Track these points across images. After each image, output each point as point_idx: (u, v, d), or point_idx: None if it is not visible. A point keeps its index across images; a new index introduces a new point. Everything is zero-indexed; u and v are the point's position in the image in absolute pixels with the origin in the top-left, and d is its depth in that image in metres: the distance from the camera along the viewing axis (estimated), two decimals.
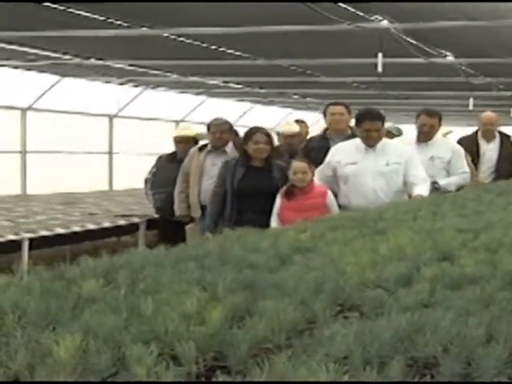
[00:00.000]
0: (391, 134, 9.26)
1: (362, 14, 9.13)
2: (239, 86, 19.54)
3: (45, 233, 9.09)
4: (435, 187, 7.45)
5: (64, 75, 17.28)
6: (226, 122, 8.91)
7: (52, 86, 17.71)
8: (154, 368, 1.57)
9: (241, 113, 24.11)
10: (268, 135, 7.40)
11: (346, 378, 1.49)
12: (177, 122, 21.53)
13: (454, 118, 26.13)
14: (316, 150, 7.73)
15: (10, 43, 12.46)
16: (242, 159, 7.37)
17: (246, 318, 2.02)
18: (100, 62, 14.71)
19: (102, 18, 10.10)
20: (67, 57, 14.07)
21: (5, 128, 17.31)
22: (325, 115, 8.16)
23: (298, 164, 6.93)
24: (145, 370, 1.56)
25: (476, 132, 10.25)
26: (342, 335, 1.82)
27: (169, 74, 16.87)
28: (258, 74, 16.46)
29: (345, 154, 7.25)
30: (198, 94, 21.66)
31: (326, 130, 8.25)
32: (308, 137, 9.52)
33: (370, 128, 7.08)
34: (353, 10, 8.91)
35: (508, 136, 10.39)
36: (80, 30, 10.75)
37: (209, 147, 8.69)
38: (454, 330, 1.85)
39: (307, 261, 2.94)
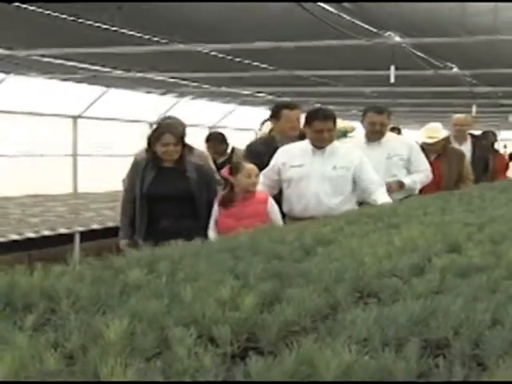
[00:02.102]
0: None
1: (376, 30, 9.11)
2: (266, 95, 19.54)
3: (95, 227, 9.18)
4: (399, 186, 6.65)
5: (109, 86, 17.37)
6: (180, 122, 7.23)
7: (99, 97, 17.82)
8: (194, 348, 1.56)
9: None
10: (178, 135, 5.97)
11: (366, 359, 1.48)
12: (210, 128, 21.56)
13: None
14: (262, 154, 6.48)
15: (64, 59, 12.58)
16: (151, 160, 5.95)
17: (275, 304, 2.00)
18: (141, 75, 14.76)
19: (147, 37, 10.14)
20: (108, 69, 14.16)
21: (58, 134, 17.40)
22: (278, 118, 6.68)
23: (251, 166, 5.80)
24: (186, 350, 1.54)
25: (448, 135, 9.13)
26: (362, 319, 1.80)
27: (204, 84, 16.91)
28: (282, 85, 16.46)
29: (290, 156, 6.19)
30: (228, 102, 21.70)
31: (270, 131, 7.31)
32: None
33: (322, 128, 6.00)
34: (368, 27, 8.89)
35: (479, 138, 9.84)
36: (125, 47, 10.79)
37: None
38: (463, 315, 1.83)
39: (329, 252, 2.90)
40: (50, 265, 2.48)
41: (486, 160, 9.56)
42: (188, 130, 7.96)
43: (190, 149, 6.92)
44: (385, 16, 8.44)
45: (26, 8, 8.25)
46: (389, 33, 9.27)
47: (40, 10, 8.31)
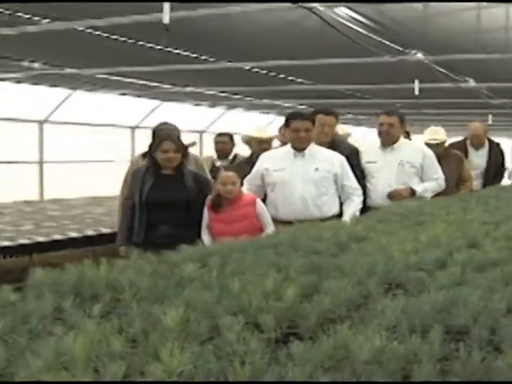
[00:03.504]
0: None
1: (401, 48, 9.07)
2: (303, 107, 19.51)
3: None
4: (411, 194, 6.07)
5: (163, 100, 17.48)
6: (175, 128, 6.66)
7: (154, 109, 17.95)
8: (242, 334, 1.56)
9: None
10: (177, 142, 5.61)
11: (395, 344, 1.48)
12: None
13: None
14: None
15: (122, 76, 12.71)
16: (151, 168, 5.58)
17: (313, 295, 1.99)
18: (192, 89, 14.83)
19: (194, 55, 10.19)
20: (166, 86, 14.25)
21: (117, 143, 17.48)
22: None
23: (226, 174, 5.43)
24: (234, 335, 1.55)
25: (465, 139, 8.89)
26: (391, 308, 1.79)
27: (246, 97, 16.94)
28: (318, 97, 16.42)
29: (272, 160, 5.82)
30: (268, 113, 21.67)
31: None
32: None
33: (300, 127, 5.61)
34: (393, 46, 8.85)
35: (497, 144, 9.07)
36: (178, 65, 10.87)
37: None
38: (481, 304, 1.82)
39: (361, 248, 2.90)
40: (112, 259, 2.50)
41: (500, 165, 9.03)
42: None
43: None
44: (409, 36, 8.39)
45: (90, 32, 8.34)
46: (413, 51, 9.21)
47: (99, 32, 8.40)
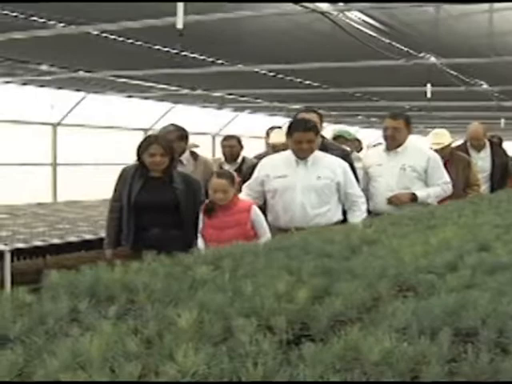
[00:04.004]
0: (342, 138, 7.88)
1: (414, 52, 9.09)
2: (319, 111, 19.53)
3: None
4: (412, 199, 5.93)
5: (176, 103, 17.54)
6: (177, 130, 6.70)
7: (167, 112, 18.00)
8: (254, 336, 1.58)
9: None
10: (165, 145, 5.39)
11: (404, 345, 1.50)
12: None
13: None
14: None
15: (137, 79, 12.79)
16: (139, 170, 5.45)
17: (324, 297, 2.00)
18: (205, 92, 14.88)
19: (211, 59, 10.25)
20: (179, 88, 14.32)
21: (130, 145, 17.49)
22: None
23: (217, 181, 5.24)
24: (247, 337, 1.57)
25: (465, 142, 8.51)
26: (401, 311, 1.81)
27: (258, 100, 16.97)
28: (329, 100, 16.45)
29: (273, 167, 5.64)
30: (279, 116, 21.70)
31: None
32: None
33: (301, 139, 5.44)
34: (406, 49, 8.87)
35: (498, 144, 8.84)
36: (191, 69, 10.92)
37: None
38: (490, 307, 1.83)
39: (373, 251, 2.90)
40: (126, 262, 2.53)
41: (506, 165, 8.52)
42: (247, 141, 7.77)
43: (196, 156, 6.74)
44: (421, 39, 8.41)
45: (106, 37, 8.41)
46: (425, 54, 9.22)
47: (113, 36, 8.46)
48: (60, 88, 14.48)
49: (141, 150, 5.42)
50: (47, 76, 11.92)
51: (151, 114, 18.00)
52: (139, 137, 18.12)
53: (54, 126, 15.90)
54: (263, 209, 5.53)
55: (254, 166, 6.06)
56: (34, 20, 7.56)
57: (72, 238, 8.04)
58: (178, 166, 5.95)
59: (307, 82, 13.21)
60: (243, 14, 6.91)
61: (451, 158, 7.30)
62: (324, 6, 6.76)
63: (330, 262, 2.57)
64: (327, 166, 5.55)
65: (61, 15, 7.50)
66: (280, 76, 12.30)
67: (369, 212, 5.88)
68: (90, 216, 10.65)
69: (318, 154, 5.61)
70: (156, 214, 5.28)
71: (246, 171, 6.52)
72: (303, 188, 5.45)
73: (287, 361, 1.47)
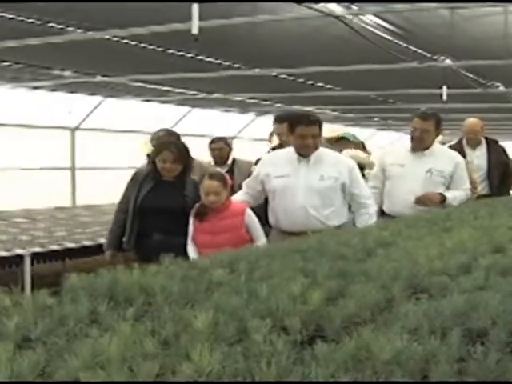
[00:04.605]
0: (345, 141, 7.51)
1: (429, 55, 9.09)
2: (334, 113, 19.54)
3: None
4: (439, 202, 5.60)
5: (194, 106, 17.61)
6: (168, 135, 6.56)
7: (184, 115, 18.08)
8: (269, 336, 1.61)
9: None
10: (177, 152, 5.25)
11: (415, 345, 1.52)
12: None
13: (508, 138, 25.56)
14: None
15: (154, 84, 12.87)
16: (151, 173, 5.33)
17: (339, 299, 2.03)
18: (223, 96, 14.94)
19: (227, 63, 10.30)
20: (196, 92, 14.39)
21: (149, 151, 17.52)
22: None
23: (209, 183, 4.93)
24: (261, 337, 1.60)
25: (461, 139, 8.04)
26: (413, 312, 1.83)
27: (276, 103, 17.01)
28: (346, 103, 16.47)
29: (274, 165, 5.26)
30: None
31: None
32: None
33: (305, 133, 5.05)
34: (421, 52, 8.88)
35: (496, 141, 8.16)
36: (208, 73, 10.98)
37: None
38: (501, 308, 1.84)
39: (388, 253, 2.91)
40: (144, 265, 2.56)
41: (505, 164, 8.00)
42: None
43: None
44: (436, 41, 8.42)
45: (126, 43, 8.48)
46: (440, 56, 9.22)
47: (130, 41, 8.53)
48: (76, 93, 14.58)
49: (154, 153, 5.38)
50: (65, 80, 12.01)
51: (169, 118, 18.07)
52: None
53: (72, 130, 16.01)
54: (255, 210, 5.20)
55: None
56: (52, 26, 7.64)
57: (90, 242, 8.11)
58: None
59: (320, 84, 13.23)
60: (259, 18, 6.95)
61: None
62: (338, 10, 6.79)
63: (344, 265, 2.58)
64: (332, 165, 5.20)
65: (78, 21, 7.57)
66: (300, 80, 12.34)
67: (382, 213, 5.72)
68: (108, 220, 10.69)
69: (322, 150, 5.26)
70: (160, 219, 5.10)
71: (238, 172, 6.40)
72: (305, 189, 5.10)
73: (300, 360, 1.50)
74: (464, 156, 7.24)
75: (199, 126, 18.20)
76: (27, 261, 7.36)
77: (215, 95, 14.77)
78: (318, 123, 5.18)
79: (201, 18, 5.87)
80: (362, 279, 2.33)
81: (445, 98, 10.68)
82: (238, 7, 6.89)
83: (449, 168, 5.84)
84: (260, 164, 5.53)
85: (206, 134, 19.67)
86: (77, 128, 16.05)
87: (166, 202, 5.14)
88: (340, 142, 7.46)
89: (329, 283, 2.22)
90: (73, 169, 16.08)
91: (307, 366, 1.43)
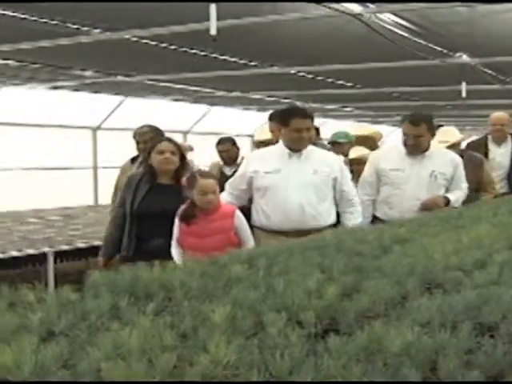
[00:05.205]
0: (337, 144, 7.39)
1: (448, 52, 9.09)
2: (353, 110, 19.54)
3: None
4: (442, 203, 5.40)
5: (212, 104, 17.69)
6: (153, 130, 6.34)
7: (205, 114, 18.16)
8: (284, 329, 1.64)
9: None
10: (176, 144, 5.08)
11: (425, 338, 1.56)
12: None
13: None
14: None
15: (174, 83, 12.95)
16: (146, 175, 5.06)
17: (353, 294, 2.05)
18: (242, 94, 15.00)
19: (243, 62, 10.34)
20: (216, 91, 14.45)
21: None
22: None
23: (205, 182, 4.66)
24: (277, 330, 1.64)
25: (486, 135, 7.79)
26: (426, 306, 1.86)
27: (296, 101, 17.03)
28: (365, 100, 16.47)
29: (263, 161, 5.02)
30: (317, 117, 21.69)
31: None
32: None
33: (301, 126, 4.88)
34: (440, 49, 8.88)
35: None
36: (227, 71, 11.04)
37: (141, 159, 6.06)
38: None
39: (404, 250, 2.92)
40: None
41: None
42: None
43: None
44: (455, 38, 8.40)
45: (146, 43, 8.55)
46: (459, 53, 9.21)
47: (150, 41, 8.60)
48: (98, 92, 14.69)
49: (147, 151, 5.12)
50: (86, 80, 12.12)
51: (189, 116, 18.15)
52: (178, 139, 18.31)
53: (94, 129, 16.12)
54: (243, 211, 4.94)
55: None
56: (77, 28, 7.73)
57: None
58: None
59: (340, 82, 13.24)
60: (278, 17, 6.99)
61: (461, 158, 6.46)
62: (356, 9, 6.81)
63: (361, 261, 2.61)
64: (323, 160, 5.05)
65: (100, 22, 7.65)
66: (319, 78, 12.36)
67: (374, 218, 5.50)
68: None
69: (311, 147, 5.12)
70: (160, 223, 4.81)
71: None
72: (298, 184, 4.89)
73: (313, 352, 1.54)
74: (486, 153, 7.35)
75: (219, 125, 18.29)
76: (50, 259, 7.45)
77: (234, 93, 14.82)
78: (311, 117, 5.08)
79: (219, 18, 5.92)
80: (377, 275, 2.35)
81: (464, 94, 10.66)
82: (257, 7, 6.93)
83: (450, 170, 5.64)
84: (246, 161, 5.24)
85: (225, 133, 19.87)
86: (98, 127, 16.17)
87: (164, 206, 4.88)
88: (334, 147, 7.35)
89: (344, 279, 2.24)
90: (95, 168, 16.20)
91: (320, 357, 1.47)
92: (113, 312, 1.92)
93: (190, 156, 6.98)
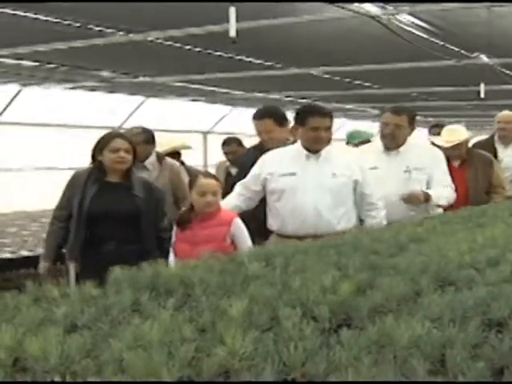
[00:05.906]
0: (350, 145, 7.06)
1: (466, 52, 9.10)
2: (374, 111, 19.56)
3: None
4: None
5: (234, 105, 17.77)
6: (143, 132, 5.94)
7: (225, 115, 18.23)
8: (299, 324, 1.69)
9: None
10: (130, 141, 4.69)
11: (435, 332, 1.61)
12: None
13: None
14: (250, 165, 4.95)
15: (192, 83, 13.03)
16: (94, 173, 4.66)
17: (367, 290, 2.09)
18: (262, 95, 15.06)
19: (268, 64, 10.41)
20: (236, 92, 14.52)
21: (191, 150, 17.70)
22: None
23: (206, 181, 4.34)
24: (291, 324, 1.68)
25: (492, 136, 7.43)
26: (437, 303, 1.90)
27: (316, 102, 17.07)
28: (384, 101, 16.48)
29: (279, 163, 4.72)
30: (336, 117, 21.70)
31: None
32: None
33: (319, 125, 4.58)
34: (459, 50, 8.90)
35: None
36: (246, 72, 11.11)
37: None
38: None
39: (419, 248, 2.94)
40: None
41: None
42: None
43: (161, 160, 5.98)
44: (473, 39, 8.42)
45: (170, 45, 8.65)
46: (478, 54, 9.22)
47: (171, 43, 8.68)
48: (119, 93, 14.81)
49: (99, 146, 4.70)
50: (106, 82, 12.23)
51: (209, 116, 18.24)
52: (199, 139, 18.38)
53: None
54: (243, 218, 4.59)
55: None
56: (101, 30, 7.85)
57: None
58: (143, 173, 5.30)
59: (358, 82, 13.27)
60: (297, 19, 7.04)
61: (469, 157, 6.37)
62: (374, 10, 6.85)
63: (376, 259, 2.64)
64: (342, 162, 4.77)
65: (122, 24, 7.75)
66: (336, 78, 12.40)
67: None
68: None
69: (330, 148, 4.81)
70: (112, 225, 4.53)
71: None
72: (316, 187, 4.62)
73: (326, 344, 1.59)
74: (495, 153, 6.99)
75: (238, 125, 18.36)
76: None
77: (254, 94, 14.89)
78: (331, 115, 4.74)
79: (239, 19, 5.97)
80: (391, 272, 2.38)
81: (482, 95, 10.65)
82: (276, 8, 6.98)
83: (427, 163, 5.26)
84: (261, 162, 4.88)
85: (245, 133, 19.90)
86: (119, 128, 16.28)
87: (116, 207, 4.58)
88: None
89: (359, 276, 2.28)
90: None
91: (332, 349, 1.53)
92: (134, 307, 1.98)
93: (190, 156, 6.92)
